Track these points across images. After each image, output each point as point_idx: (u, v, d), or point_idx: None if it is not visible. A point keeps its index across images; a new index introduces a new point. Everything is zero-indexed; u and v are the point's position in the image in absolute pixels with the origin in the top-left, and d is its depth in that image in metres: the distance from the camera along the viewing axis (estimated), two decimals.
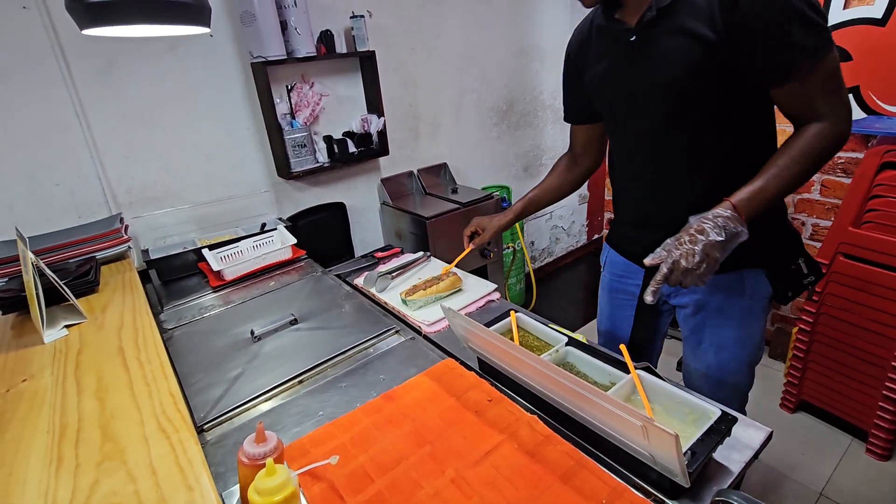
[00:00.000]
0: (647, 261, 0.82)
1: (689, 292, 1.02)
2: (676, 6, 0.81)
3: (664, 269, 0.78)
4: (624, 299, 1.16)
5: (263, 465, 0.60)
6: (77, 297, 1.15)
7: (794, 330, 1.89)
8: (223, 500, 0.73)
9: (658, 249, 0.82)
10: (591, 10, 0.98)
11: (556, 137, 3.09)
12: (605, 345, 1.22)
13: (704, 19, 0.79)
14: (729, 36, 0.78)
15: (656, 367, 1.02)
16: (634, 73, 0.90)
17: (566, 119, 1.20)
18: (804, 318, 1.79)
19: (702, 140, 0.89)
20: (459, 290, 1.30)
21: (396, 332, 1.17)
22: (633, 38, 0.87)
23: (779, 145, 0.86)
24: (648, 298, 0.79)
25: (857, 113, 1.79)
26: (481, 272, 2.33)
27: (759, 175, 0.83)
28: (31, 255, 1.01)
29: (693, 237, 0.78)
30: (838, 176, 1.95)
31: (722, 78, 0.82)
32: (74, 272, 1.23)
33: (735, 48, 0.78)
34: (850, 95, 1.79)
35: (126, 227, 1.49)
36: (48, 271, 1.05)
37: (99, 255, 1.38)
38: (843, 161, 1.92)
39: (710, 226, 0.78)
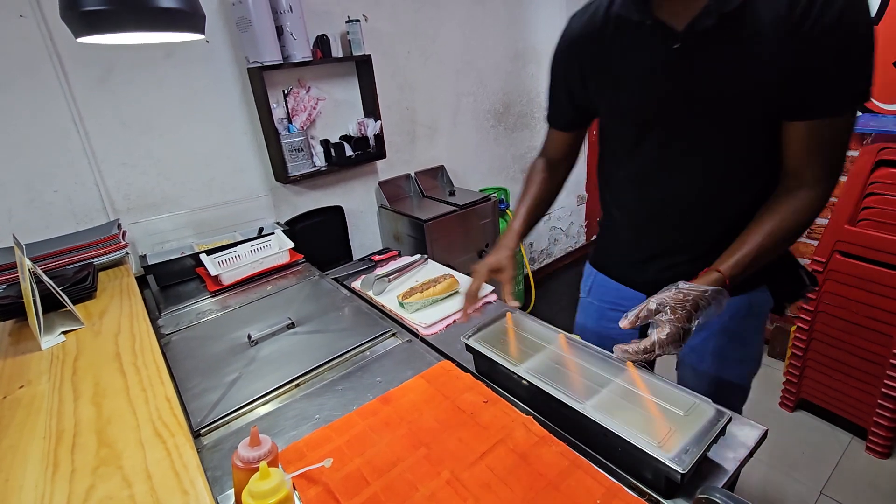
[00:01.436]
0: (625, 323, 0.77)
1: None
2: (739, 14, 0.69)
3: (655, 338, 0.73)
4: (618, 329, 1.08)
5: (258, 469, 0.60)
6: (74, 303, 1.15)
7: (793, 329, 1.89)
8: None
9: (639, 309, 0.76)
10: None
11: None
12: None
13: (772, 32, 0.68)
14: (797, 58, 0.69)
15: None
16: (679, 85, 0.77)
17: (551, 122, 1.04)
18: (802, 316, 1.79)
19: (744, 164, 0.82)
20: (457, 292, 1.30)
21: (393, 334, 1.17)
22: (678, 45, 0.74)
23: None
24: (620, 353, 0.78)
25: None
26: None
27: (749, 243, 0.78)
28: (27, 262, 1.02)
29: (689, 312, 0.73)
30: None
31: (777, 101, 0.74)
32: (72, 278, 1.23)
33: (797, 66, 0.69)
34: None
35: (124, 233, 1.49)
36: (45, 278, 1.06)
37: (96, 261, 1.38)
38: None
39: (705, 304, 0.74)
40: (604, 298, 1.10)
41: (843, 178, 1.90)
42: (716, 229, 0.87)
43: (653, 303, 0.75)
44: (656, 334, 0.73)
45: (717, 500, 0.56)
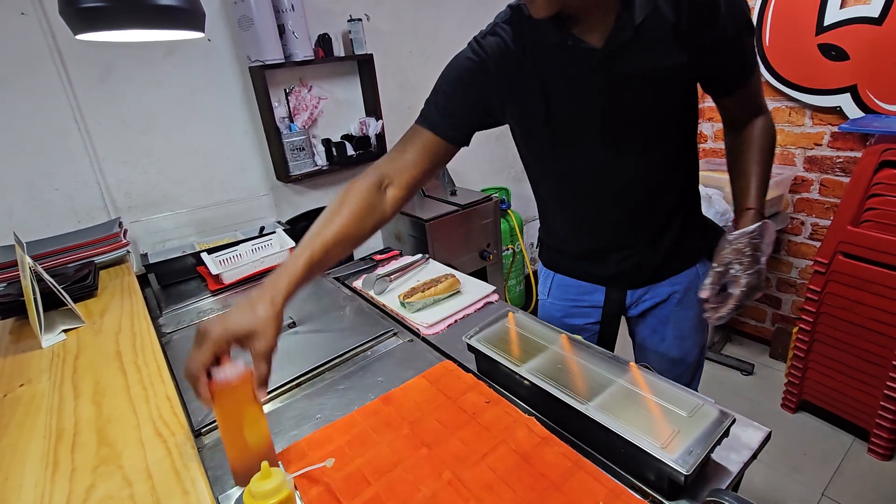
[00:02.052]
0: (705, 294, 0.79)
1: (652, 296, 1.03)
2: (646, 25, 0.73)
3: (738, 293, 0.76)
4: (583, 324, 1.12)
5: (234, 387, 0.61)
6: (75, 301, 1.15)
7: (795, 330, 1.89)
8: None
9: (710, 279, 0.79)
10: (503, 15, 0.84)
11: None
12: None
13: (677, 36, 0.75)
14: (702, 51, 0.77)
15: None
16: (609, 97, 0.81)
17: (439, 131, 0.86)
18: (804, 317, 1.78)
19: (673, 150, 0.91)
20: (458, 291, 1.30)
21: (395, 334, 1.17)
22: (601, 61, 0.77)
23: None
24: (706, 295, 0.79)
25: (855, 112, 1.80)
26: (481, 274, 2.33)
27: (750, 173, 0.87)
28: (28, 260, 1.02)
29: (753, 255, 0.77)
30: (837, 175, 1.95)
31: (689, 93, 0.85)
32: (73, 277, 1.23)
33: (707, 61, 0.79)
34: (848, 94, 1.79)
35: (125, 232, 1.49)
36: (46, 276, 1.05)
37: (98, 259, 1.38)
38: (841, 160, 1.92)
39: (760, 240, 0.79)
40: (566, 297, 1.12)
41: (845, 180, 1.90)
42: (662, 212, 0.95)
43: (719, 266, 0.79)
44: (737, 289, 0.77)
45: (726, 503, 0.56)
